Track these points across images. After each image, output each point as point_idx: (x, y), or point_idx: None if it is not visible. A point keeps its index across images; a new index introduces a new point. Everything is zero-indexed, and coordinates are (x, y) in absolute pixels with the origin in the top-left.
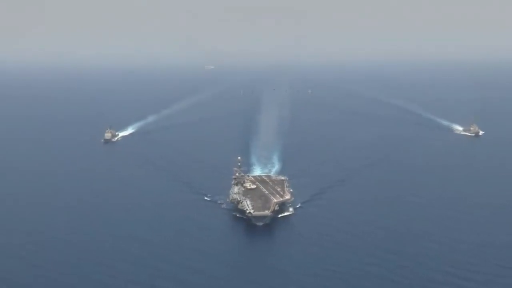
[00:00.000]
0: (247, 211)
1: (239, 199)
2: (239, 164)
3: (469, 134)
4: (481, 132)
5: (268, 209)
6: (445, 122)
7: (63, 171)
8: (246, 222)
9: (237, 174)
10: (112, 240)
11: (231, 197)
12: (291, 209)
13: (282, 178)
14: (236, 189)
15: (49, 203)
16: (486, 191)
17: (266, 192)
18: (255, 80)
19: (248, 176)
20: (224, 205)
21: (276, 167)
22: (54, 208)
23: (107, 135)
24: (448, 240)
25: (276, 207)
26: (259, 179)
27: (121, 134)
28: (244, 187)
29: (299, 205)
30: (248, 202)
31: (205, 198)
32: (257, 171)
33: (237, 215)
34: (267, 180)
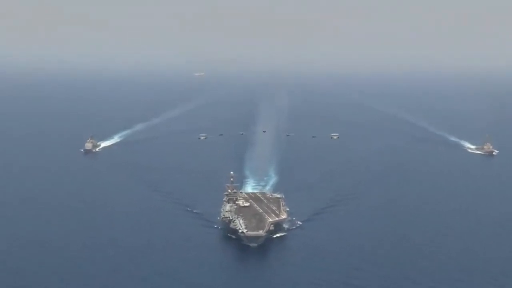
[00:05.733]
0: (240, 231)
1: (231, 218)
2: (231, 179)
3: (482, 153)
4: (495, 152)
5: (263, 229)
6: (454, 139)
7: (36, 183)
8: (238, 243)
9: (229, 190)
10: (94, 259)
11: (222, 215)
12: (287, 229)
13: (278, 196)
14: (228, 206)
15: (22, 220)
16: (502, 213)
17: (261, 210)
18: (243, 100)
19: (241, 192)
20: (215, 223)
21: (272, 182)
22: (26, 224)
23: (88, 145)
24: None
25: (271, 227)
26: (253, 196)
27: (103, 144)
28: (237, 204)
29: (296, 225)
30: (241, 221)
31: (194, 215)
32: (250, 187)
33: (229, 234)
34: (262, 198)
